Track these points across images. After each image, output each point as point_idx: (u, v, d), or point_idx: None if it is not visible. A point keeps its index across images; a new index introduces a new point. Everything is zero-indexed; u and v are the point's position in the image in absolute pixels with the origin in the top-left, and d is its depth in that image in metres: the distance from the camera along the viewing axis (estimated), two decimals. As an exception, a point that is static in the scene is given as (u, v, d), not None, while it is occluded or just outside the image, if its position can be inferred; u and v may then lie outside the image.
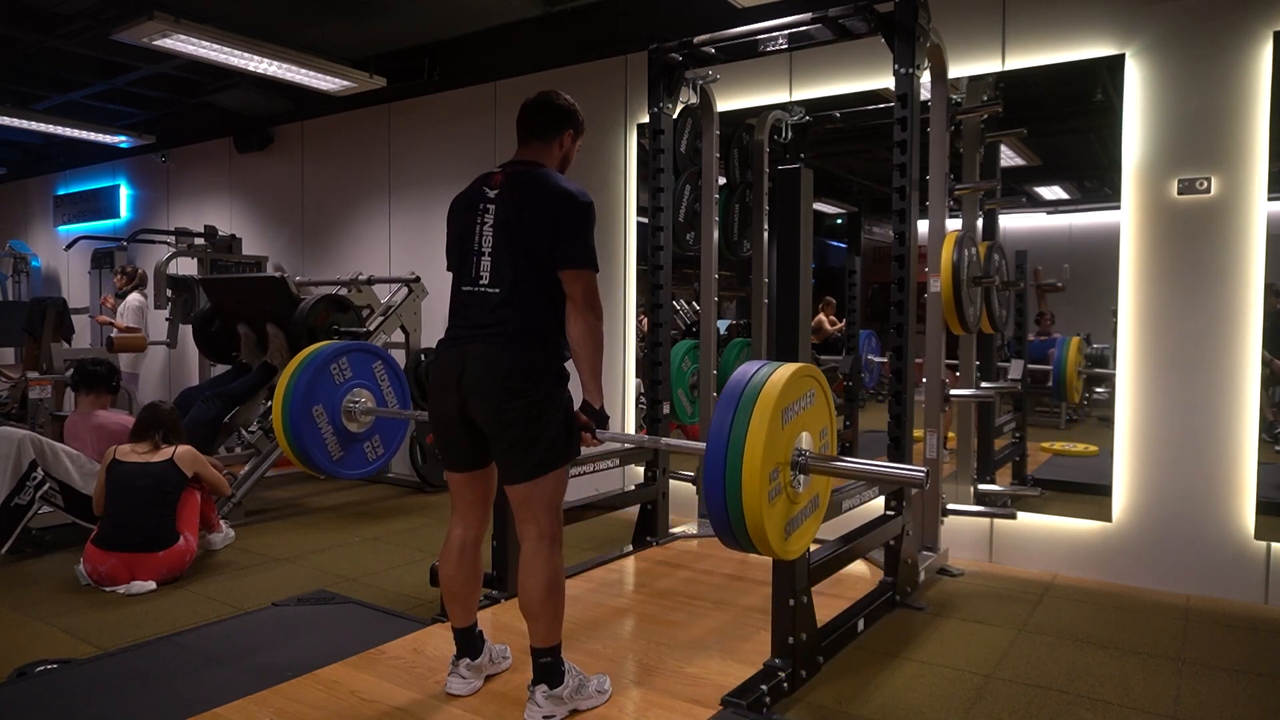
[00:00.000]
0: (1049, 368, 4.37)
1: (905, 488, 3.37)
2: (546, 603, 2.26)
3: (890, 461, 3.38)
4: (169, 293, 6.71)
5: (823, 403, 2.16)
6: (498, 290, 2.29)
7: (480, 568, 2.50)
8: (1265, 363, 3.52)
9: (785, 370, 1.97)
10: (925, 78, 3.53)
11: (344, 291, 5.50)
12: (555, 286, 2.30)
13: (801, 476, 2.04)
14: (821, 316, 5.43)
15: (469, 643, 2.50)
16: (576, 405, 2.37)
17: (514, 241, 2.29)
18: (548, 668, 2.29)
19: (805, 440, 2.06)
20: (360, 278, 5.72)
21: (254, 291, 5.33)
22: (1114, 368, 3.80)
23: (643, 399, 4.91)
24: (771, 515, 1.92)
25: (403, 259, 6.36)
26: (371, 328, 5.37)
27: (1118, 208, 3.76)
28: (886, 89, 3.71)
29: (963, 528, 4.04)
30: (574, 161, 2.57)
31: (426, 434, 5.47)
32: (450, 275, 2.43)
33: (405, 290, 5.72)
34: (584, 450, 2.44)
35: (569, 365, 2.32)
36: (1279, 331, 3.55)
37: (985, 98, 4.08)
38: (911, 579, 3.43)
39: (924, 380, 3.73)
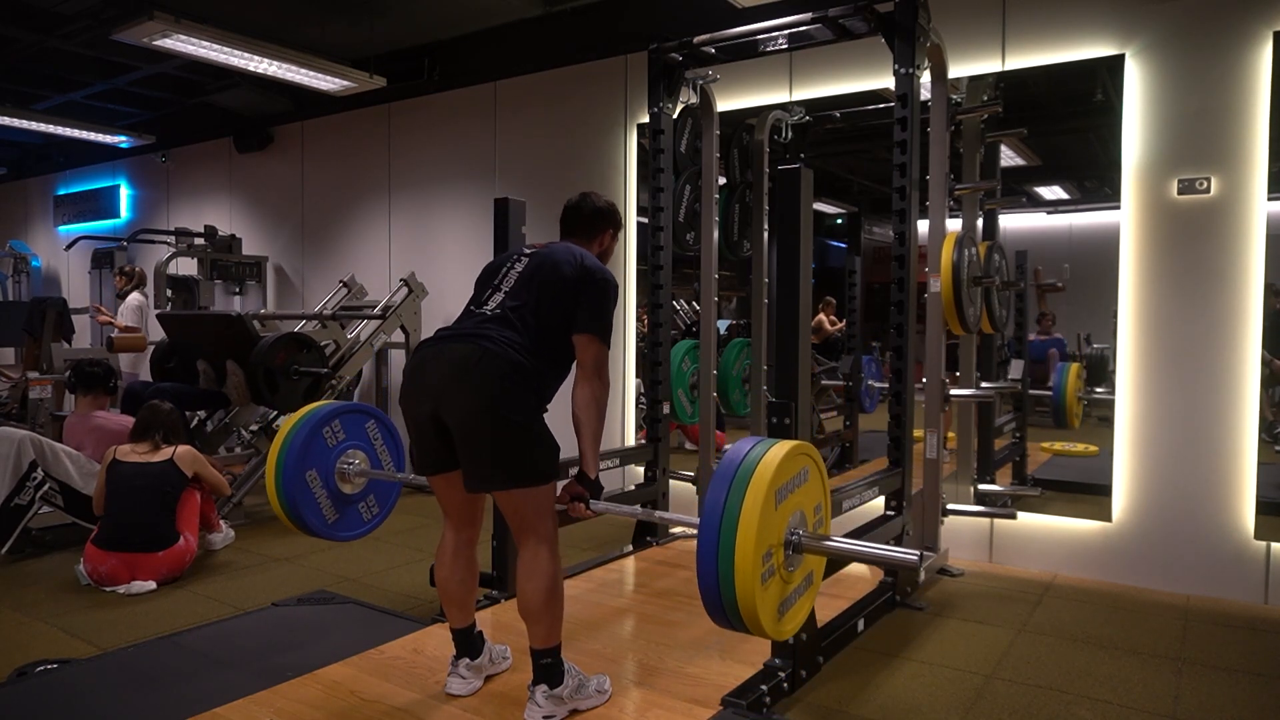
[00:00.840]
0: (1049, 370, 4.37)
1: (905, 488, 3.38)
2: (546, 605, 2.25)
3: (890, 464, 3.38)
4: (169, 293, 6.71)
5: (816, 479, 2.13)
6: (499, 313, 2.32)
7: (476, 569, 2.50)
8: (1265, 363, 3.52)
9: (779, 449, 1.95)
10: (925, 78, 3.53)
11: (309, 327, 5.30)
12: (552, 338, 2.32)
13: (795, 556, 2.02)
14: (822, 316, 5.43)
15: (468, 643, 2.51)
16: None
17: (533, 291, 2.34)
18: (548, 668, 2.30)
19: (799, 519, 2.03)
20: (330, 306, 5.59)
21: (213, 329, 5.17)
22: (1113, 370, 3.80)
23: (643, 399, 4.91)
24: (764, 598, 1.90)
25: (402, 259, 6.37)
26: (334, 365, 5.18)
27: (1118, 208, 3.76)
28: (886, 89, 3.71)
29: (963, 528, 4.04)
30: (611, 256, 2.66)
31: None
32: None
33: (405, 290, 5.72)
34: (575, 519, 2.42)
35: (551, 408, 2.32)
36: (1279, 331, 3.55)
37: (985, 98, 4.08)
38: (911, 579, 3.43)
39: (924, 380, 3.73)
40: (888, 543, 3.34)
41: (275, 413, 5.61)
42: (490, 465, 2.22)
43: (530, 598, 2.25)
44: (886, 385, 3.47)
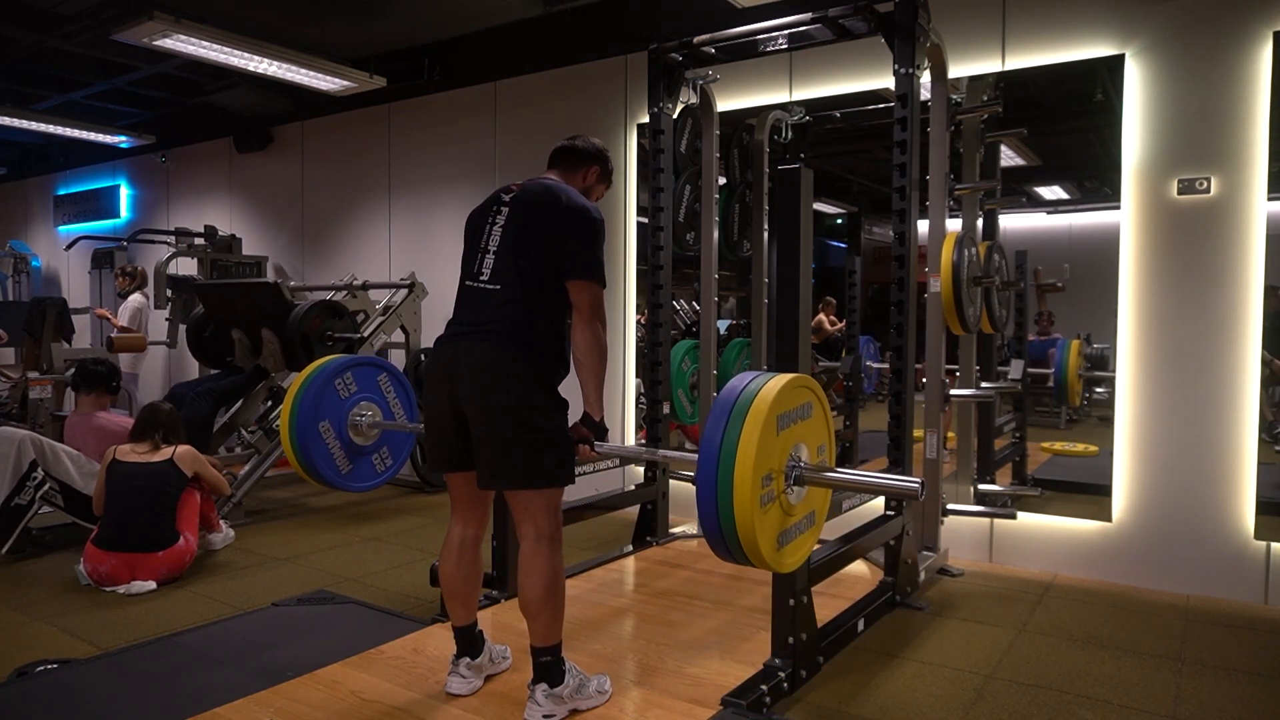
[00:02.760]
0: (1049, 370, 4.37)
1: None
2: (546, 602, 2.25)
3: (890, 464, 3.38)
4: (169, 293, 6.71)
5: (821, 417, 2.12)
6: (498, 288, 2.31)
7: (480, 567, 2.50)
8: (1265, 362, 3.52)
9: (781, 378, 1.95)
10: (925, 78, 3.53)
11: (339, 296, 5.49)
12: (555, 294, 2.31)
13: (796, 488, 2.00)
14: (821, 316, 5.43)
15: (469, 642, 2.50)
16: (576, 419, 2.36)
17: (520, 244, 2.31)
18: (548, 667, 2.29)
19: (802, 452, 2.02)
20: (356, 282, 5.71)
21: (248, 297, 5.31)
22: (1114, 368, 3.80)
23: (643, 399, 4.91)
24: (763, 523, 1.87)
25: (402, 259, 6.37)
26: (366, 333, 5.35)
27: (1118, 208, 3.76)
28: (886, 89, 3.71)
29: (963, 528, 4.04)
30: (596, 200, 2.57)
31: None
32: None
33: (405, 290, 5.73)
34: (583, 463, 2.44)
35: (567, 380, 2.32)
36: (1279, 331, 3.55)
37: (985, 98, 4.08)
38: (911, 579, 3.43)
39: (924, 380, 3.73)
40: (887, 543, 3.34)
41: (276, 412, 5.61)
42: (507, 465, 2.24)
43: (530, 593, 2.25)
44: (885, 364, 3.46)
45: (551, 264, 2.30)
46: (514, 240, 2.33)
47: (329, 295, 5.51)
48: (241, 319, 5.23)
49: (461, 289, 2.42)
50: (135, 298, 7.07)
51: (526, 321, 2.26)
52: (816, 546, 2.81)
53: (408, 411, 3.06)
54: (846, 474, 2.10)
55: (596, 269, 2.31)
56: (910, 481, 2.07)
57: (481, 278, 2.35)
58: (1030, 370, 4.36)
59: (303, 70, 5.52)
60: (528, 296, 2.28)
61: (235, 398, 5.31)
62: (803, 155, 4.69)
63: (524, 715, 2.31)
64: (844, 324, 5.28)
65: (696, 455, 1.95)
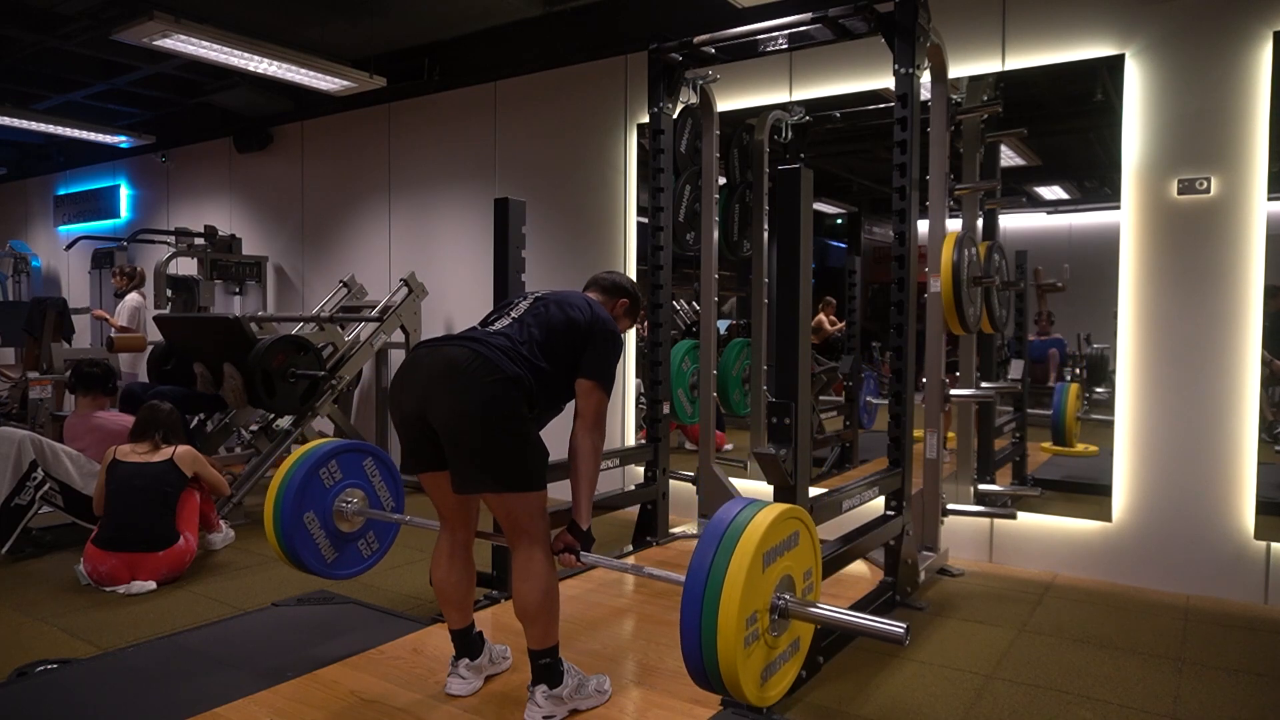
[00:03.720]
0: (1048, 370, 4.37)
1: (905, 488, 3.38)
2: (542, 606, 2.25)
3: (890, 464, 3.38)
4: (169, 293, 6.70)
5: (807, 544, 2.10)
6: (502, 331, 2.35)
7: (473, 569, 2.50)
8: (1265, 362, 3.51)
9: (770, 511, 1.93)
10: (925, 78, 3.53)
11: (307, 329, 5.30)
12: (556, 377, 2.33)
13: (781, 621, 1.97)
14: (821, 316, 5.43)
15: (467, 643, 2.51)
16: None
17: (544, 321, 2.37)
18: (547, 668, 2.30)
19: (787, 583, 2.00)
20: (328, 306, 5.58)
21: (210, 331, 5.16)
22: (1113, 369, 3.80)
23: (643, 399, 4.91)
24: (747, 664, 1.85)
25: (402, 259, 6.37)
26: (331, 368, 5.18)
27: (1118, 208, 3.76)
28: (886, 89, 3.71)
29: (963, 528, 4.04)
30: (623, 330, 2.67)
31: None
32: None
33: (404, 290, 5.72)
34: (563, 569, 2.41)
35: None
36: (1279, 331, 3.55)
37: (985, 98, 4.08)
38: (911, 579, 3.43)
39: (924, 380, 3.73)
40: (887, 543, 3.34)
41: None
42: (476, 468, 2.21)
43: (526, 599, 2.25)
44: (884, 402, 3.46)
45: (565, 348, 2.34)
46: (540, 317, 2.39)
47: (296, 328, 5.32)
48: (204, 353, 5.04)
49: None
50: (133, 297, 7.06)
51: (514, 353, 2.26)
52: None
53: (394, 496, 3.02)
54: (829, 611, 2.03)
55: (608, 378, 2.37)
56: (895, 626, 1.99)
57: (491, 328, 2.39)
58: (1032, 389, 4.39)
59: (303, 70, 5.52)
60: (529, 342, 2.31)
61: (193, 409, 5.16)
62: (803, 155, 4.69)
63: (524, 716, 2.31)
64: (843, 324, 5.28)
65: (679, 577, 1.94)
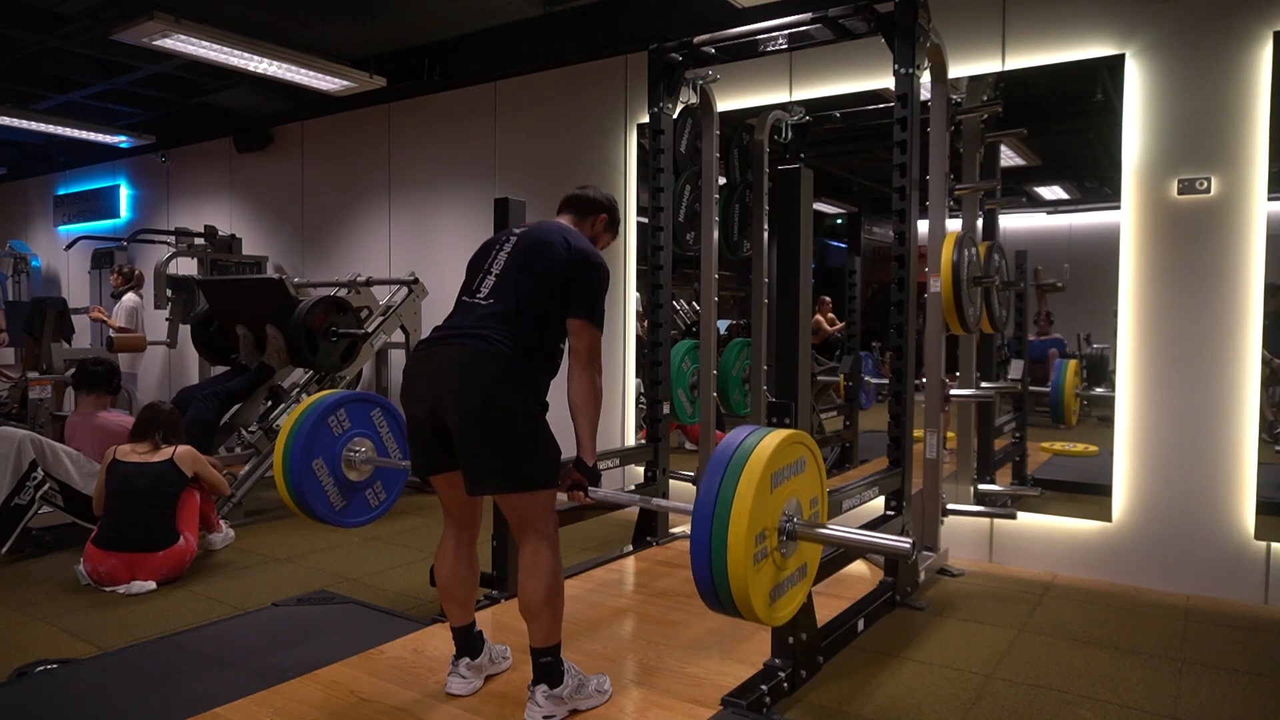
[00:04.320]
0: (1048, 370, 4.37)
1: (905, 488, 3.38)
2: (546, 604, 2.25)
3: (890, 464, 3.38)
4: (169, 293, 6.70)
5: (814, 470, 2.14)
6: (492, 301, 2.33)
7: (476, 567, 2.50)
8: (1265, 362, 3.51)
9: (776, 435, 1.97)
10: (925, 78, 3.53)
11: (342, 293, 5.50)
12: (549, 320, 2.32)
13: (789, 542, 2.03)
14: (819, 317, 5.43)
15: (468, 642, 2.51)
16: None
17: (523, 272, 2.34)
18: (548, 667, 2.30)
19: (794, 506, 2.05)
20: (359, 279, 5.71)
21: (252, 293, 5.33)
22: (1113, 369, 3.80)
23: (643, 399, 4.91)
24: (756, 580, 1.90)
25: (402, 259, 6.37)
26: (370, 329, 5.37)
27: (1118, 208, 3.76)
28: (886, 89, 3.71)
29: (963, 528, 4.04)
30: (602, 249, 2.62)
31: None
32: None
33: (405, 290, 5.73)
34: (575, 504, 2.46)
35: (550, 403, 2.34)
36: (1279, 331, 3.55)
37: (985, 98, 4.08)
38: (911, 579, 3.43)
39: (924, 380, 3.73)
40: (888, 543, 3.34)
41: (276, 412, 5.61)
42: (488, 470, 2.23)
43: (530, 596, 2.26)
44: (884, 381, 3.46)
45: (552, 296, 2.31)
46: (518, 266, 2.35)
47: (333, 291, 5.52)
48: (246, 315, 5.26)
49: (456, 304, 2.43)
50: (130, 297, 7.06)
51: (509, 337, 2.25)
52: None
53: (400, 446, 3.05)
54: (836, 531, 2.11)
55: (597, 314, 2.34)
56: (902, 542, 2.11)
57: (478, 295, 2.37)
58: (1031, 389, 4.37)
59: (303, 70, 5.52)
60: (520, 312, 2.29)
61: (243, 398, 5.32)
62: (803, 155, 4.69)
63: (524, 715, 2.31)
64: (842, 325, 5.28)
65: (688, 506, 1.97)
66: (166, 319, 6.92)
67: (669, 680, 2.60)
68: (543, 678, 2.30)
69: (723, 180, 4.58)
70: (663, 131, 4.11)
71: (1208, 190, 3.56)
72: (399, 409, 2.94)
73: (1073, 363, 4.27)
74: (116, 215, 8.80)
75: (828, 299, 5.46)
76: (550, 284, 2.31)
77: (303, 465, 2.72)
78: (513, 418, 2.21)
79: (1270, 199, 3.47)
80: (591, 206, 2.62)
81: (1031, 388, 4.40)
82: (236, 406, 5.39)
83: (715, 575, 1.86)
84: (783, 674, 2.56)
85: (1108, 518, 3.80)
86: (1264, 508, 3.49)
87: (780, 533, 1.99)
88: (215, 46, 5.10)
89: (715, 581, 1.87)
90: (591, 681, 2.42)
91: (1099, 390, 4.12)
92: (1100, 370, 4.14)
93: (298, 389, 5.46)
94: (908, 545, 2.08)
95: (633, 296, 5.20)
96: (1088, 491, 3.99)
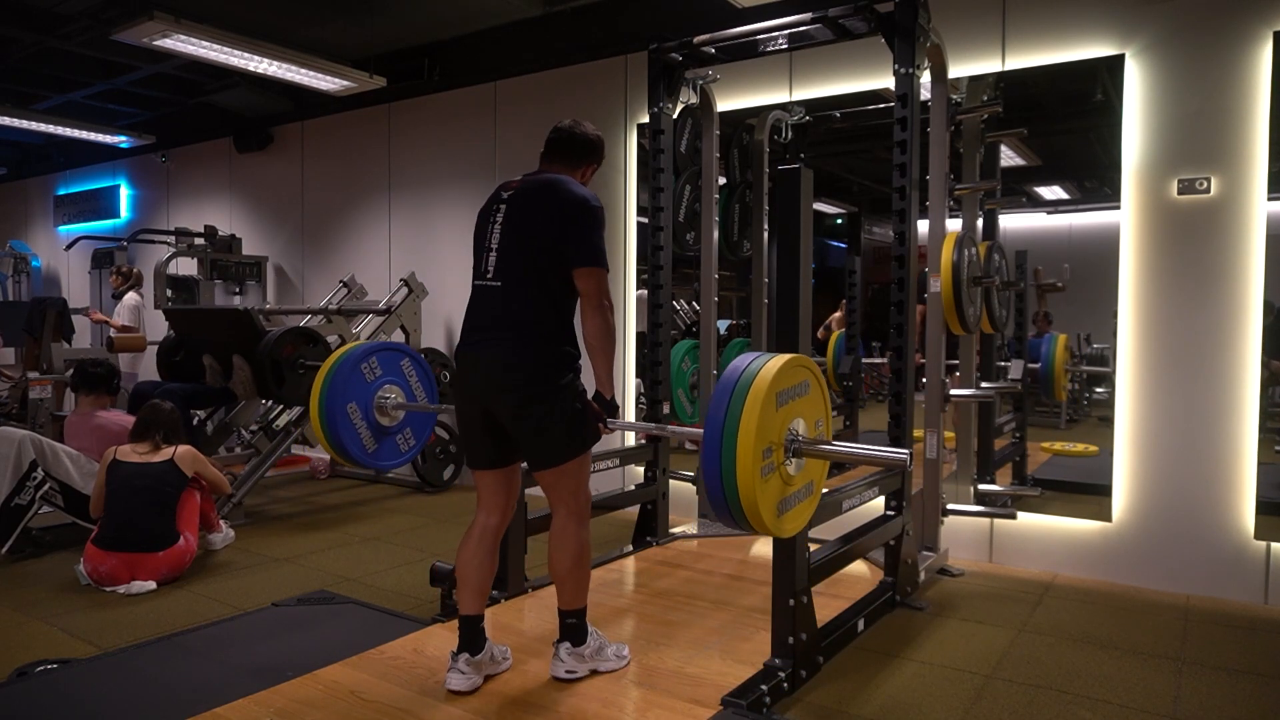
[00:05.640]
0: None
1: (905, 488, 3.38)
2: (573, 571, 2.49)
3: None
4: (169, 293, 6.70)
5: (818, 394, 2.27)
6: (500, 284, 2.43)
7: (495, 559, 2.58)
8: (1264, 364, 3.51)
9: (780, 358, 2.09)
10: (925, 78, 3.53)
11: (315, 321, 5.38)
12: (558, 285, 2.42)
13: (794, 460, 2.15)
14: (839, 314, 5.38)
15: (472, 634, 2.52)
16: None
17: (521, 238, 2.43)
18: (573, 628, 2.52)
19: (800, 426, 2.17)
20: (334, 303, 5.64)
21: (219, 323, 5.22)
22: (1113, 367, 3.80)
23: (643, 399, 4.91)
24: (764, 491, 2.03)
25: (402, 259, 6.37)
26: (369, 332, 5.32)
27: (1118, 208, 3.76)
28: (886, 89, 3.71)
29: (963, 528, 4.04)
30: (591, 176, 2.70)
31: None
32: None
33: (405, 290, 5.73)
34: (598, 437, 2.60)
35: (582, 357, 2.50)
36: (1279, 333, 3.54)
37: (985, 98, 4.08)
38: (911, 579, 3.43)
39: (924, 380, 3.73)
40: (888, 543, 3.34)
41: (276, 412, 5.61)
42: (542, 451, 2.45)
43: (560, 563, 2.49)
44: (882, 361, 3.50)
45: (553, 255, 2.40)
46: (515, 235, 2.44)
47: (304, 320, 5.40)
48: (213, 344, 5.09)
49: (472, 290, 2.53)
50: (131, 296, 7.06)
51: (533, 316, 2.40)
52: (816, 547, 2.83)
53: (429, 393, 3.23)
54: (838, 446, 2.26)
55: (599, 255, 2.42)
56: (898, 453, 2.26)
57: (487, 275, 2.47)
58: (1030, 366, 4.36)
59: (303, 70, 5.52)
60: (530, 290, 2.41)
61: (202, 404, 5.21)
62: (803, 155, 4.69)
63: (549, 669, 2.54)
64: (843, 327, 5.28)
65: (701, 430, 2.11)
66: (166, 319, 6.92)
67: (669, 680, 2.60)
68: (567, 636, 2.52)
69: (723, 180, 4.58)
70: (663, 131, 4.11)
71: (1208, 190, 3.56)
72: (425, 360, 3.22)
73: (1062, 337, 4.27)
74: (116, 215, 8.80)
75: (844, 301, 5.44)
76: (549, 247, 2.40)
77: (338, 407, 2.92)
78: (554, 406, 2.39)
79: (1270, 199, 3.47)
80: (583, 155, 2.62)
81: (1031, 389, 4.40)
82: (221, 410, 5.35)
83: (725, 487, 2.01)
84: (783, 674, 2.56)
85: (1108, 518, 3.80)
86: (1264, 507, 3.49)
87: (785, 449, 2.12)
88: (215, 46, 5.11)
89: (726, 494, 2.02)
90: (611, 647, 2.63)
91: (1100, 391, 4.11)
92: (1091, 364, 4.14)
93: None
94: (905, 455, 2.23)
95: (633, 296, 5.20)
96: (1088, 491, 3.99)
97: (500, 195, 2.52)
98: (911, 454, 2.18)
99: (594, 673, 2.56)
